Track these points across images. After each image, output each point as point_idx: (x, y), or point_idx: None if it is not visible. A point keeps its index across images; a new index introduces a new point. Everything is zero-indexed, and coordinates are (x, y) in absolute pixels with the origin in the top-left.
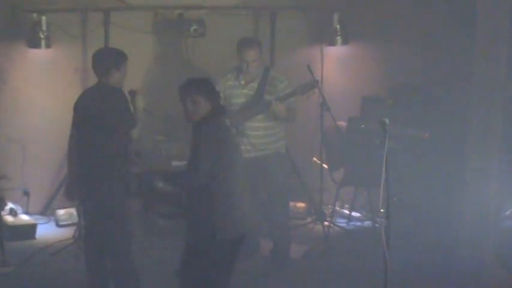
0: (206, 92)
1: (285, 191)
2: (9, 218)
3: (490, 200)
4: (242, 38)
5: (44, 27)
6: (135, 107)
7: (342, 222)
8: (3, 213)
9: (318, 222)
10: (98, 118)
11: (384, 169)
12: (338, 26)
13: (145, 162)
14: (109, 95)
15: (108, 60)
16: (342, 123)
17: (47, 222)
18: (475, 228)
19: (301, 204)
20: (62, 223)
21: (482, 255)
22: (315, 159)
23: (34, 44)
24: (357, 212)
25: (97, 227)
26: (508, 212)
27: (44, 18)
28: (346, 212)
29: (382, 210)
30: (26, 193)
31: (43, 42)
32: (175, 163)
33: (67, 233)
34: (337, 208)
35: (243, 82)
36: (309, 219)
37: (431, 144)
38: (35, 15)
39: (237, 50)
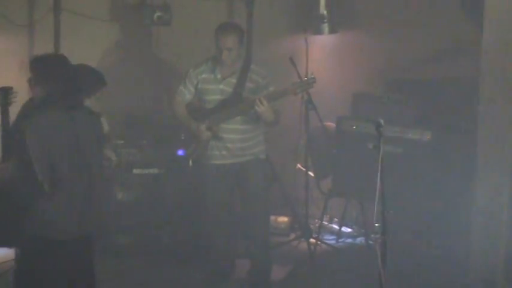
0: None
1: (264, 203)
2: None
3: (501, 211)
4: (221, 23)
5: None
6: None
7: (330, 239)
8: None
9: (302, 239)
10: None
11: (378, 177)
12: (325, 12)
13: None
14: None
15: None
16: (330, 124)
17: None
18: (485, 246)
19: (283, 219)
20: None
21: (492, 278)
22: (299, 166)
23: None
24: (347, 227)
25: None
26: None
27: None
28: (336, 227)
29: (376, 224)
30: None
31: None
32: (136, 171)
33: (11, 250)
34: (325, 223)
35: (219, 76)
36: (292, 236)
37: (434, 147)
38: None
39: (215, 37)
